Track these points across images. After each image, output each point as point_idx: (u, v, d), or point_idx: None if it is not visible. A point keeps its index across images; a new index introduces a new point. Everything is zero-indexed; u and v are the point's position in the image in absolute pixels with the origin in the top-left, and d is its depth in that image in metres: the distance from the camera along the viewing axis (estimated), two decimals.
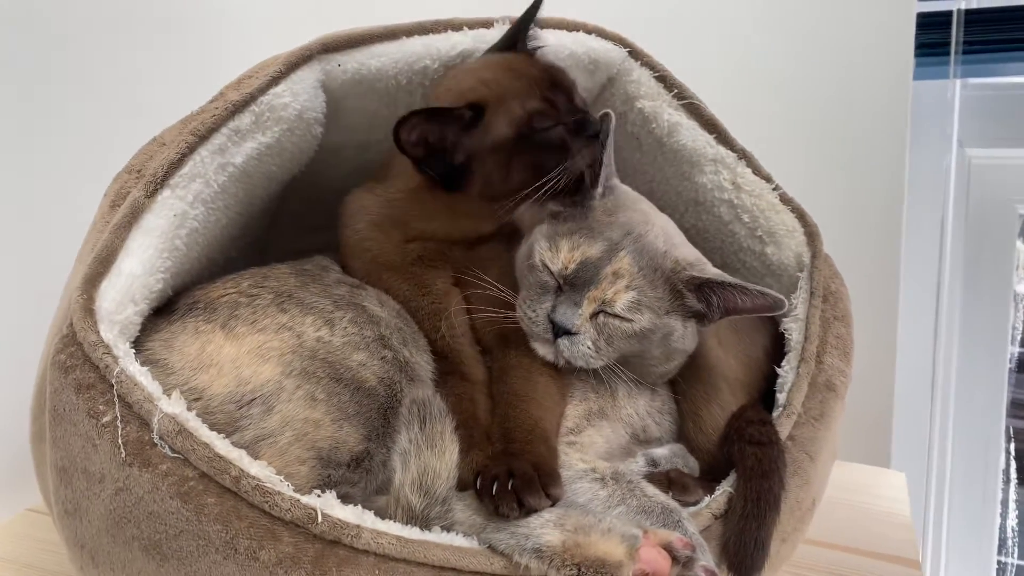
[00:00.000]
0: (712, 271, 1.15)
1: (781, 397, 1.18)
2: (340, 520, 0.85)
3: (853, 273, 1.40)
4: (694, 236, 1.46)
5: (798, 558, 1.29)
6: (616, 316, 1.09)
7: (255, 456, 0.92)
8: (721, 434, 1.15)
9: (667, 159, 1.38)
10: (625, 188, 1.26)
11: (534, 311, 1.12)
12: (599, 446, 1.11)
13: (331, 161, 1.34)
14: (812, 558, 1.44)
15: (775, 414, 1.16)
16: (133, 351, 0.96)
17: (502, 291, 1.13)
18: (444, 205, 1.19)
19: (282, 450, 0.95)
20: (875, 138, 1.95)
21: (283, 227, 1.45)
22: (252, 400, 0.96)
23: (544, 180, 1.12)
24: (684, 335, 1.14)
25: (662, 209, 1.44)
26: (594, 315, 1.10)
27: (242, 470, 0.85)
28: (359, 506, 0.91)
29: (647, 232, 1.15)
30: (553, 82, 1.16)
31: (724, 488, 1.05)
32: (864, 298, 1.45)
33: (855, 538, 1.47)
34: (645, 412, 1.17)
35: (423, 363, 1.12)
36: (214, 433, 0.89)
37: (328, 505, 0.86)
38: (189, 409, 0.92)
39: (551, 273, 1.12)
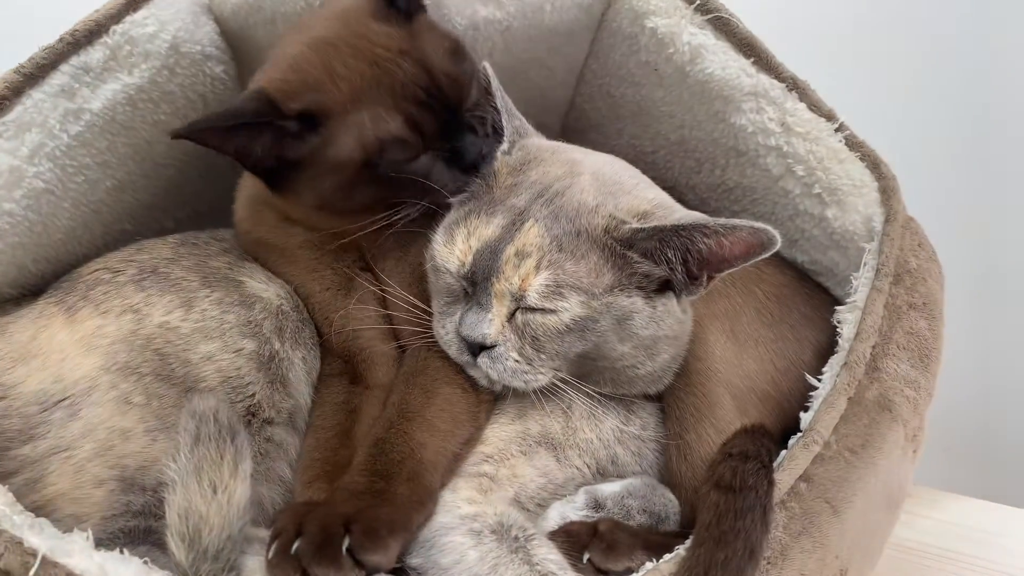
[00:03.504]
0: (670, 217, 0.83)
1: (805, 418, 0.85)
2: (70, 573, 0.62)
3: (957, 247, 1.00)
4: (740, 198, 1.12)
5: None
6: (533, 309, 0.80)
7: (39, 476, 0.74)
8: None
9: (694, 95, 1.09)
10: (546, 142, 0.96)
11: (444, 327, 0.86)
12: (529, 482, 0.83)
13: None
14: None
15: (791, 442, 0.82)
16: None
17: (406, 298, 0.89)
18: (290, 204, 0.94)
19: (77, 467, 0.76)
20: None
21: None
22: (59, 402, 0.80)
23: (393, 212, 0.88)
24: (655, 316, 0.83)
25: (699, 163, 1.13)
26: (511, 316, 0.82)
27: None
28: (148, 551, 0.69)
29: (568, 187, 0.85)
30: (431, 85, 0.88)
31: (679, 551, 0.73)
32: (973, 281, 1.03)
33: None
34: (613, 438, 0.87)
35: (298, 361, 0.90)
36: None
37: (63, 550, 0.64)
38: None
39: (452, 274, 0.85)
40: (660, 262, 0.81)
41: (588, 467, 0.86)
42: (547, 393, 0.85)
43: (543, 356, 0.82)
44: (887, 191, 0.98)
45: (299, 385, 0.89)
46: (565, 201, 0.83)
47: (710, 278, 0.83)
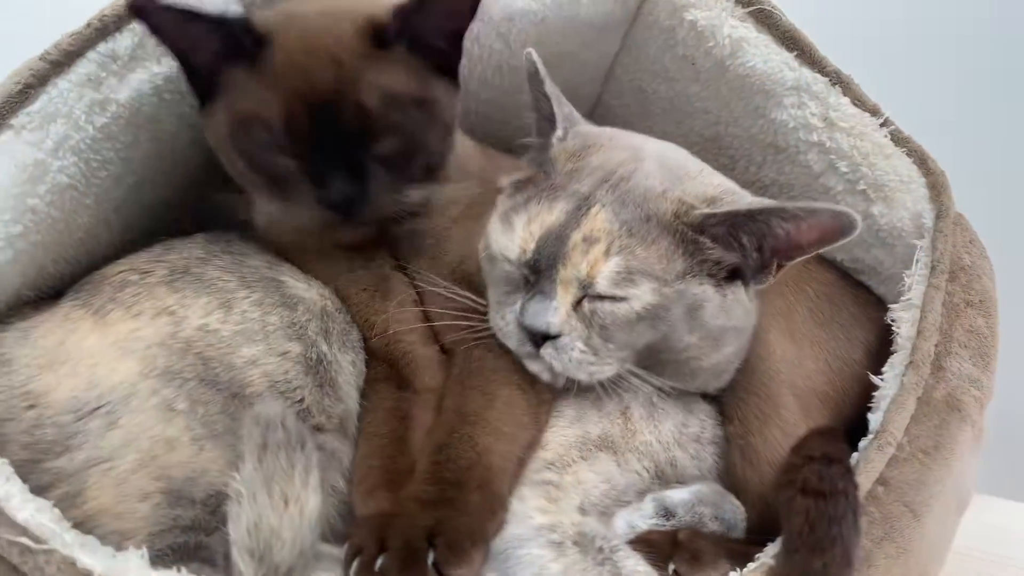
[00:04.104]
0: (741, 201, 0.81)
1: (874, 419, 0.82)
2: None
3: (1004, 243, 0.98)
4: (776, 195, 1.10)
5: None
6: (602, 297, 0.77)
7: (78, 490, 0.68)
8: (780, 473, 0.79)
9: (733, 90, 1.06)
10: (601, 128, 0.93)
11: (503, 317, 0.82)
12: (592, 488, 0.79)
13: None
14: None
15: (863, 444, 0.79)
16: None
17: (457, 293, 0.84)
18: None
19: (119, 479, 0.71)
20: None
21: None
22: (95, 410, 0.74)
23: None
24: (725, 305, 0.80)
25: (734, 161, 1.10)
26: (577, 304, 0.78)
27: (2, 514, 0.60)
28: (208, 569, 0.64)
29: (634, 171, 0.81)
30: (335, 101, 0.82)
31: (764, 560, 0.69)
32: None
33: None
34: (672, 440, 0.84)
35: (346, 364, 0.86)
36: None
37: (119, 569, 0.59)
38: (8, 420, 0.72)
39: (511, 262, 0.82)
40: (733, 248, 0.79)
41: (647, 471, 0.83)
42: (611, 386, 0.81)
43: (611, 346, 0.78)
44: (937, 187, 0.96)
45: (348, 389, 0.84)
46: (631, 186, 0.80)
47: (779, 267, 0.80)
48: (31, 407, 0.73)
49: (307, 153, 0.82)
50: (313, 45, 0.82)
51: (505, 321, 0.82)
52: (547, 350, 0.79)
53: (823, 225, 0.76)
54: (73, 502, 0.69)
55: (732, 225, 0.78)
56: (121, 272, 0.85)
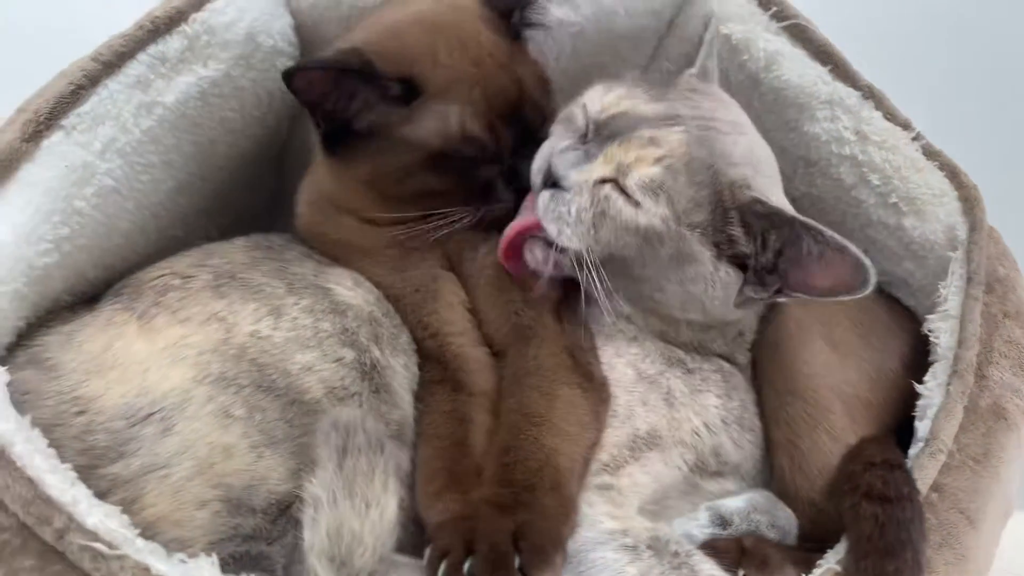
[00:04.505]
0: (786, 207, 0.83)
1: (923, 427, 0.83)
2: None
3: None
4: (806, 207, 1.10)
5: None
6: (623, 192, 0.81)
7: (135, 497, 0.67)
8: (831, 478, 0.79)
9: (766, 103, 1.06)
10: (727, 96, 0.97)
11: (546, 146, 0.88)
12: (644, 490, 0.78)
13: None
14: None
15: (912, 451, 0.80)
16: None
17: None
18: (337, 174, 0.94)
19: (176, 487, 0.69)
20: None
21: (286, 209, 1.19)
22: (149, 416, 0.72)
23: (444, 212, 0.88)
24: (709, 276, 0.82)
25: None
26: (602, 182, 0.82)
27: (72, 519, 0.59)
28: None
29: (727, 134, 0.85)
30: (519, 104, 0.91)
31: (829, 566, 0.70)
32: None
33: None
34: (719, 420, 0.85)
35: (399, 368, 0.85)
36: (56, 464, 0.63)
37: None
38: (58, 426, 0.70)
39: (586, 114, 0.86)
40: (754, 241, 0.81)
41: (687, 463, 0.83)
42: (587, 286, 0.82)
43: (594, 232, 0.81)
44: (969, 200, 0.97)
45: (403, 394, 0.83)
46: (717, 140, 0.83)
47: (777, 291, 0.82)
48: (81, 412, 0.71)
49: (509, 157, 0.90)
50: (473, 58, 0.88)
51: (545, 150, 0.86)
52: (547, 192, 0.83)
53: (845, 265, 0.76)
54: (131, 508, 0.67)
55: (769, 221, 0.80)
56: (162, 276, 0.84)
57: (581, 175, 0.82)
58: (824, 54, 1.02)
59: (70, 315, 0.82)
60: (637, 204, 0.80)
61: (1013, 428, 0.84)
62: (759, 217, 0.80)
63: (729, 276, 0.83)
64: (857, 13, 1.18)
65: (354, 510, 0.61)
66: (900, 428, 0.88)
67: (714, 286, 0.82)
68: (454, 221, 0.89)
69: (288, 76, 0.83)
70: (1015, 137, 1.46)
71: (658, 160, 0.80)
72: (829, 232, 0.78)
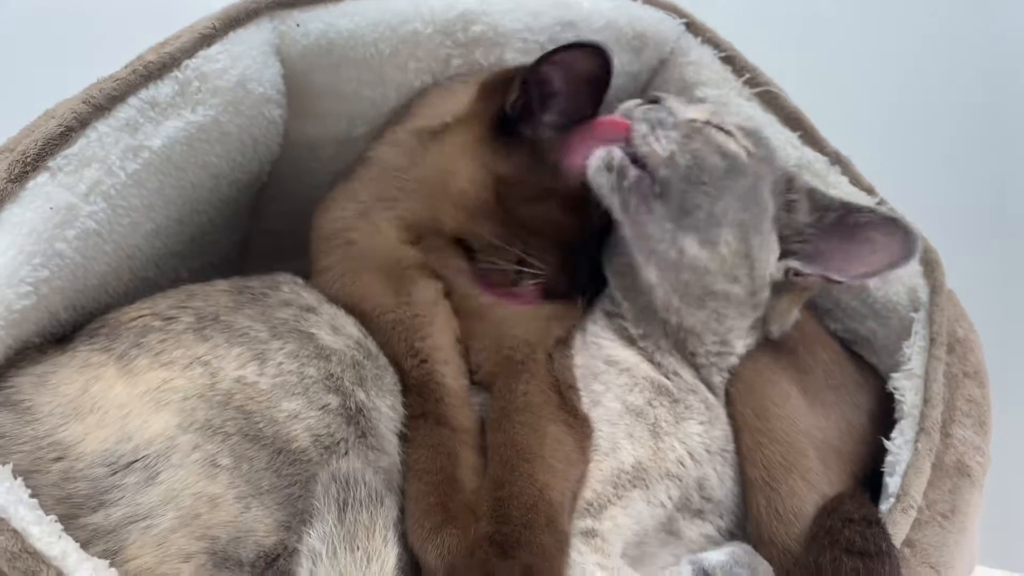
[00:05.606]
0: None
1: (893, 482, 0.85)
2: None
3: (985, 317, 1.05)
4: None
5: None
6: (719, 128, 0.91)
7: (117, 548, 0.65)
8: (806, 526, 0.81)
9: None
10: None
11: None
12: (626, 531, 0.79)
13: (307, 164, 1.07)
14: None
15: (884, 507, 0.82)
16: None
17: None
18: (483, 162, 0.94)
19: (160, 538, 0.67)
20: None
21: (256, 250, 1.18)
22: (131, 463, 0.70)
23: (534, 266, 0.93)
24: (766, 235, 0.91)
25: None
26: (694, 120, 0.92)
27: (60, 574, 0.56)
28: None
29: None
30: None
31: None
32: (1000, 348, 1.07)
33: None
34: (703, 450, 0.86)
35: (385, 410, 0.84)
36: (41, 515, 0.61)
37: None
38: (35, 472, 0.68)
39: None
40: (802, 218, 0.93)
41: (671, 500, 0.84)
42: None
43: (685, 144, 0.89)
44: (930, 263, 1.02)
45: (390, 437, 0.82)
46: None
47: (807, 283, 0.92)
48: (59, 459, 0.69)
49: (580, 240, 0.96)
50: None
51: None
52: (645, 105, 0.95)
53: (893, 241, 0.87)
54: (113, 560, 0.65)
55: (826, 203, 0.93)
56: (141, 316, 0.82)
57: (679, 104, 0.94)
58: (794, 120, 1.07)
59: (39, 355, 0.79)
60: (730, 134, 0.90)
61: (976, 485, 0.87)
62: (814, 197, 0.93)
63: (774, 245, 0.91)
64: (821, 82, 1.23)
65: (355, 564, 0.60)
66: (866, 481, 0.91)
67: (767, 244, 0.90)
68: (534, 273, 0.93)
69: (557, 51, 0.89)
70: (973, 205, 1.53)
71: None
72: (879, 208, 0.93)
